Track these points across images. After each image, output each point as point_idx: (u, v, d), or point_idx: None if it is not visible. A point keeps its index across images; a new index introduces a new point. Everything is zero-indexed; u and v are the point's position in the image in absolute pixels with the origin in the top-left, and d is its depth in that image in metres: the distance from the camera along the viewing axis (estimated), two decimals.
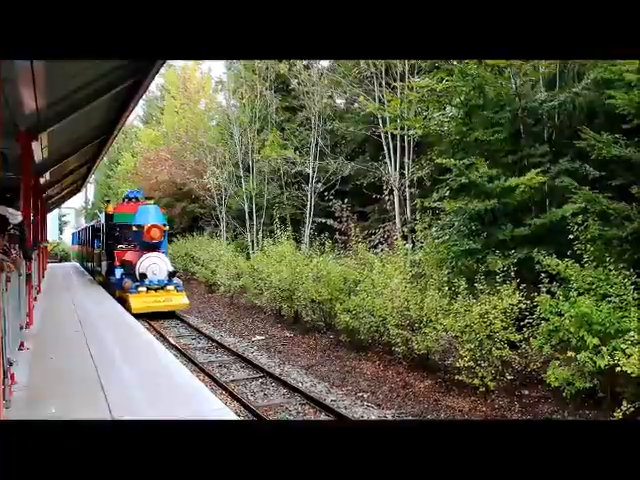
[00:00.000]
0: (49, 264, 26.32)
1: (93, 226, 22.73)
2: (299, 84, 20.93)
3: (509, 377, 8.08)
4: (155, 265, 15.46)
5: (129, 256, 16.64)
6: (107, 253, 17.84)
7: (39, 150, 10.64)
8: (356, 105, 20.55)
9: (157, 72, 8.35)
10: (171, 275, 15.71)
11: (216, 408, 4.62)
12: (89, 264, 24.34)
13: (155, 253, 15.80)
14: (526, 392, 8.10)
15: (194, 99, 27.79)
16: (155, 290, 15.33)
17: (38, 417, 4.43)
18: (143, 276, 15.18)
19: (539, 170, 9.30)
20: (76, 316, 10.86)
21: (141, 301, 14.82)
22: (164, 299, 15.35)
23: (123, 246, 17.86)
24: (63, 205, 41.06)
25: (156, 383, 5.61)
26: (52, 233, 37.08)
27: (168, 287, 15.53)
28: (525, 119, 10.38)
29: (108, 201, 19.40)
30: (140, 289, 15.00)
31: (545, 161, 9.79)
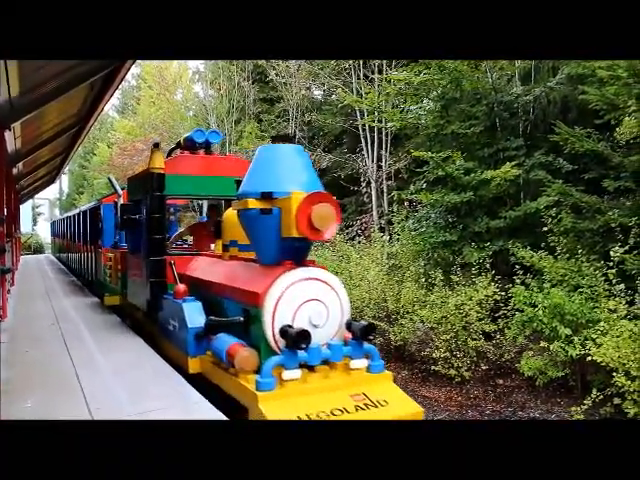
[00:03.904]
0: (22, 256, 25.86)
1: (97, 209, 12.57)
2: (277, 75, 20.85)
3: (484, 367, 8.24)
4: (316, 305, 4.81)
5: (223, 273, 5.99)
6: (151, 262, 6.86)
7: (12, 140, 10.46)
8: (334, 97, 20.54)
9: (134, 62, 8.25)
10: (366, 332, 4.78)
11: (196, 401, 4.60)
12: (85, 271, 14.49)
13: (309, 269, 4.91)
14: (500, 382, 8.26)
15: (171, 89, 27.47)
16: (311, 368, 4.68)
17: (13, 410, 4.38)
18: (299, 338, 4.35)
19: (514, 163, 9.45)
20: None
21: (299, 414, 4.15)
22: (355, 400, 4.52)
23: (186, 246, 9.44)
24: (37, 196, 40.38)
25: (135, 375, 5.56)
26: (25, 225, 36.45)
27: (354, 363, 4.81)
28: (501, 113, 10.51)
29: (157, 144, 7.22)
30: (289, 375, 4.41)
31: (520, 154, 9.94)
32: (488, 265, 8.92)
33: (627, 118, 7.24)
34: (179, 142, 8.14)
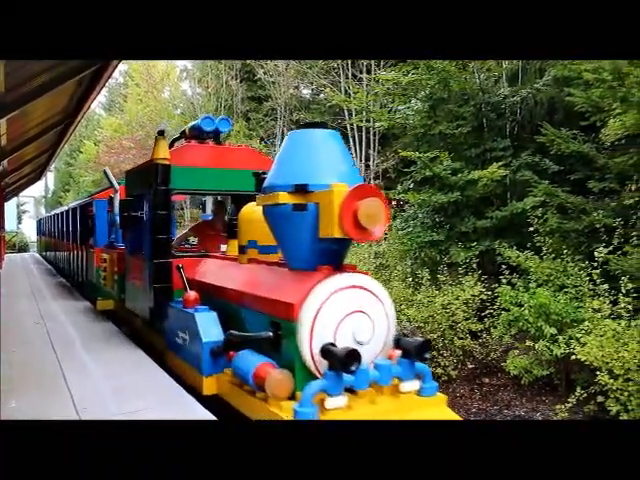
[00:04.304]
0: (6, 255, 25.55)
1: (88, 206, 11.93)
2: (265, 74, 20.80)
3: (470, 366, 8.31)
4: (361, 318, 4.07)
5: (242, 279, 5.22)
6: (156, 265, 5.99)
7: None
8: (322, 96, 20.55)
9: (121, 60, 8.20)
10: (422, 350, 4.11)
11: (192, 407, 4.51)
12: (75, 272, 13.69)
13: (351, 275, 4.21)
14: (486, 380, 8.32)
15: (158, 87, 27.30)
16: (353, 392, 3.91)
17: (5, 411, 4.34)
18: (350, 359, 3.59)
19: (501, 164, 9.52)
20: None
21: None
22: None
23: (188, 246, 8.59)
24: (22, 194, 39.96)
25: (126, 380, 5.48)
26: (10, 223, 36.01)
27: (405, 386, 4.11)
28: (488, 113, 10.58)
29: (162, 132, 6.26)
30: (333, 403, 3.68)
31: (507, 155, 10.02)
32: (475, 265, 8.99)
33: (612, 120, 7.32)
34: (184, 131, 7.27)
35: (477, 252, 9.29)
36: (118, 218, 8.30)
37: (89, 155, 35.39)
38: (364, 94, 14.81)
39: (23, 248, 40.60)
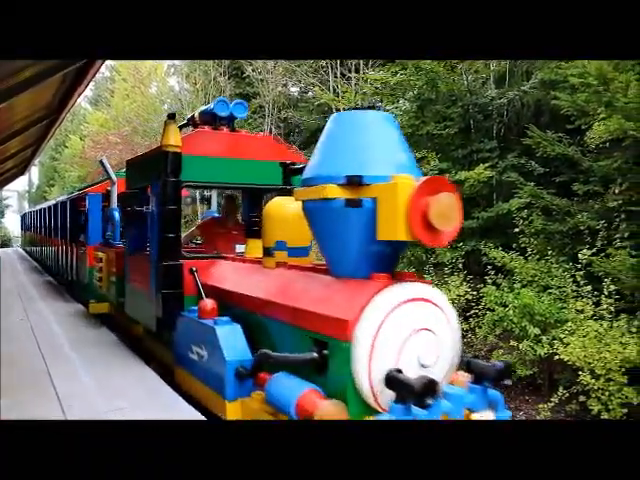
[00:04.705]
0: None
1: (79, 200, 11.44)
2: (254, 71, 20.73)
3: None
4: (426, 336, 3.35)
5: (270, 286, 4.41)
6: (164, 267, 5.20)
7: None
8: (310, 94, 20.53)
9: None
10: (504, 375, 3.39)
11: (182, 408, 4.42)
12: (64, 270, 12.94)
13: (413, 286, 3.47)
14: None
15: (145, 82, 27.10)
16: None
17: None
18: (427, 392, 2.93)
19: (487, 165, 9.58)
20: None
21: None
22: None
23: (193, 246, 7.63)
24: (5, 188, 39.49)
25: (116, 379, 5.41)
26: None
27: (477, 417, 3.37)
28: (475, 115, 10.63)
29: (173, 115, 5.42)
30: None
31: (493, 156, 10.08)
32: (460, 265, 9.05)
33: (596, 124, 7.40)
34: (192, 116, 6.44)
35: (463, 252, 9.35)
36: (116, 213, 7.98)
37: (75, 150, 35.05)
38: (352, 93, 14.81)
39: (5, 243, 40.18)
